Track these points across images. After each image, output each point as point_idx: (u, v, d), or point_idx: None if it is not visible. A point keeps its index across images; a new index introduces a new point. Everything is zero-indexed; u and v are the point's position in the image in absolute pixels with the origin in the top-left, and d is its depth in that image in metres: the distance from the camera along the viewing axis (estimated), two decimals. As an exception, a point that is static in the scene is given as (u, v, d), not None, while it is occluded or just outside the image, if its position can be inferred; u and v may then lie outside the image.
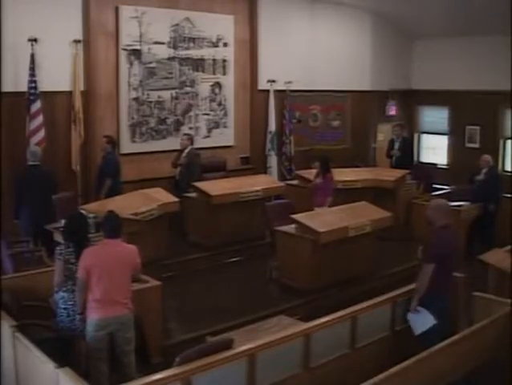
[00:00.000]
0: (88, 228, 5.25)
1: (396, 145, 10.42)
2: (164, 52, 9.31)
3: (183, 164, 8.79)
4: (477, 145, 11.99)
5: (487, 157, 8.99)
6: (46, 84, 8.00)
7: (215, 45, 9.92)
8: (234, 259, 8.09)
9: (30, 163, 6.93)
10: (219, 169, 9.60)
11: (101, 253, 4.54)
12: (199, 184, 8.35)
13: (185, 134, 9.20)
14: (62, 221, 6.65)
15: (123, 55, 8.89)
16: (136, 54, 9.00)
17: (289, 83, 10.83)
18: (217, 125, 10.14)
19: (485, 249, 6.61)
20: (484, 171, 8.87)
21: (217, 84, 10.06)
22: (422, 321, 4.90)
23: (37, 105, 7.88)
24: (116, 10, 8.77)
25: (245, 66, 10.42)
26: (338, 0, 11.29)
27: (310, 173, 8.92)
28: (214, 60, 9.96)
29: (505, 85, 10.34)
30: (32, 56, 7.82)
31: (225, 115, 10.23)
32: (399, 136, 10.53)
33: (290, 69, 10.86)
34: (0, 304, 4.55)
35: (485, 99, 11.41)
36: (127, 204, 7.05)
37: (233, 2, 10.16)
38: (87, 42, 8.47)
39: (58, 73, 8.21)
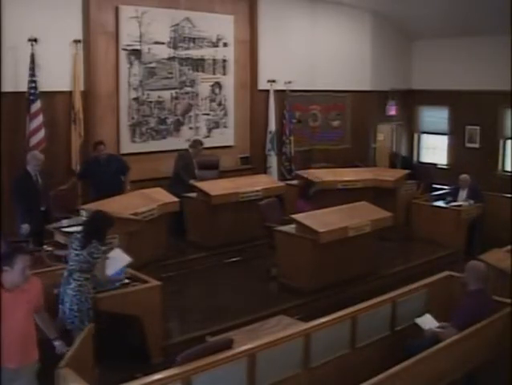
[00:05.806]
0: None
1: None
2: (164, 52, 9.30)
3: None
4: (477, 145, 11.99)
5: (465, 177, 8.87)
6: (46, 84, 7.99)
7: (215, 45, 9.91)
8: (234, 259, 8.08)
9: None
10: (212, 168, 9.50)
11: None
12: (199, 184, 8.35)
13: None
14: (63, 221, 6.70)
15: (123, 55, 8.89)
16: (136, 54, 9.00)
17: (289, 83, 10.82)
18: (217, 125, 10.14)
19: (485, 249, 6.61)
20: (465, 190, 8.83)
21: (217, 84, 10.06)
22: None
23: (37, 105, 7.87)
24: (116, 10, 8.77)
25: (245, 66, 10.42)
26: (338, 0, 11.29)
27: (310, 173, 8.92)
28: (214, 60, 9.96)
29: (505, 85, 10.35)
30: (32, 56, 7.81)
31: (225, 115, 10.23)
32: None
33: (290, 69, 10.85)
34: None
35: (485, 99, 11.41)
36: (127, 204, 7.05)
37: (233, 2, 10.16)
38: (87, 42, 8.46)
39: (58, 73, 8.20)
